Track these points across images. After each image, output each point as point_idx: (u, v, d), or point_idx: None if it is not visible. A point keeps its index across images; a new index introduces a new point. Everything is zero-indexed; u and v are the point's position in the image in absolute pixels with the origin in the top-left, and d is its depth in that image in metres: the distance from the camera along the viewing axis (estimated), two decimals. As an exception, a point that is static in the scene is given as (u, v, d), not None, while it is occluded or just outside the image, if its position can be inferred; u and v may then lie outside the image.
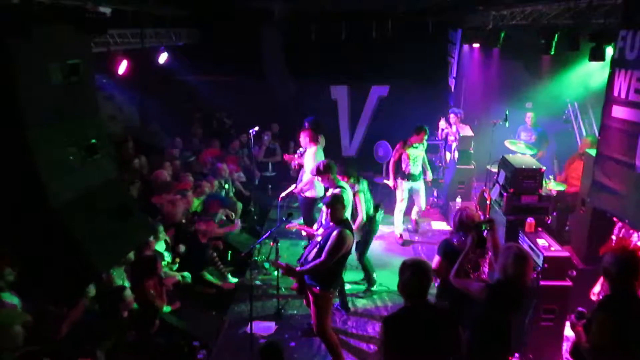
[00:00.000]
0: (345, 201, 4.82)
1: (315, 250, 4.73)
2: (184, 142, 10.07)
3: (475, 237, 4.08)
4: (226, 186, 8.34)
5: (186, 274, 6.08)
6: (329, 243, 4.57)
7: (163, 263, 5.95)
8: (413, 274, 3.18)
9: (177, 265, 6.11)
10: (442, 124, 9.45)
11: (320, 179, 5.67)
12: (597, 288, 4.71)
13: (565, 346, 4.89)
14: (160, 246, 6.00)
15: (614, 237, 5.12)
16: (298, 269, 4.81)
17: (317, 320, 4.81)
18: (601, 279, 4.67)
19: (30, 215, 3.37)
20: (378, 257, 7.51)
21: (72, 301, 4.21)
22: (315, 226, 5.58)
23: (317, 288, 4.70)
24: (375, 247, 7.85)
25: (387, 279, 6.79)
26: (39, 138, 3.30)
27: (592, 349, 3.38)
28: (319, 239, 4.80)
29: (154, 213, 6.51)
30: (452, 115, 9.11)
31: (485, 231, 4.16)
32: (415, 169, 7.93)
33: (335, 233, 4.59)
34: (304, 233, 5.73)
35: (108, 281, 4.93)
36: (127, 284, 5.02)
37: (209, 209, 7.36)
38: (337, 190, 5.40)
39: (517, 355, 4.78)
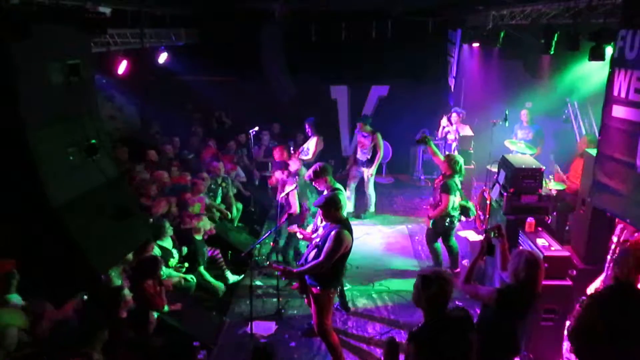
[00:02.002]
0: (341, 202, 4.79)
1: (314, 251, 4.72)
2: (183, 142, 10.07)
3: (485, 244, 4.05)
4: (223, 184, 8.34)
5: (190, 277, 6.08)
6: (327, 244, 4.55)
7: (171, 262, 5.96)
8: (440, 287, 3.13)
9: (184, 268, 6.11)
10: (444, 121, 9.45)
11: (316, 182, 5.62)
12: (594, 285, 4.72)
13: (566, 346, 4.88)
14: (167, 243, 6.01)
15: (614, 239, 5.10)
16: (296, 270, 4.81)
17: (318, 319, 4.81)
18: (600, 277, 4.68)
19: (30, 215, 3.36)
20: (378, 257, 7.51)
21: (64, 301, 4.17)
22: (309, 229, 5.60)
23: (318, 288, 4.69)
24: (376, 247, 7.86)
25: (387, 279, 6.78)
26: (39, 138, 3.29)
27: (573, 330, 3.44)
28: (317, 239, 4.79)
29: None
30: (454, 115, 9.12)
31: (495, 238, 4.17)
32: (362, 155, 8.50)
33: (333, 233, 4.56)
34: (300, 236, 5.71)
35: (106, 281, 4.93)
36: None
37: (188, 205, 7.30)
38: (333, 193, 5.35)
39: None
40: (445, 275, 3.20)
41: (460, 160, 6.54)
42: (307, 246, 5.18)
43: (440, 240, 6.79)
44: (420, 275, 3.26)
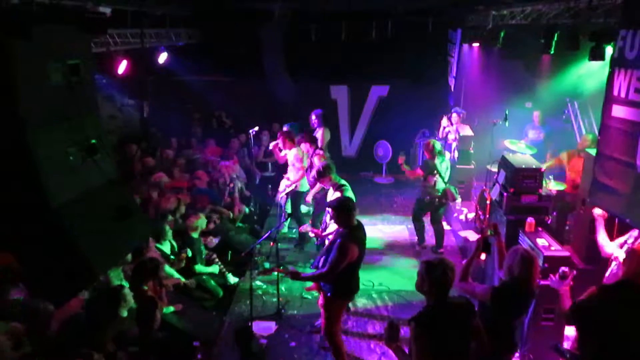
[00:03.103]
0: (353, 205, 4.78)
1: (324, 257, 4.68)
2: (182, 142, 10.06)
3: (481, 242, 4.08)
4: (231, 185, 8.33)
5: (191, 281, 6.07)
6: (331, 254, 4.49)
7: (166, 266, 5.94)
8: (444, 272, 3.21)
9: (183, 263, 6.09)
10: (444, 121, 9.44)
11: (320, 181, 5.63)
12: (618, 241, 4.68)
13: (566, 345, 4.88)
14: (166, 247, 5.99)
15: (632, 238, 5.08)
16: (304, 275, 4.82)
17: (325, 323, 4.80)
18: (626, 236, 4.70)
19: (30, 215, 3.36)
20: (378, 257, 7.51)
21: (65, 300, 4.16)
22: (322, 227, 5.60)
23: (329, 294, 4.66)
24: (376, 247, 7.86)
25: (387, 279, 6.79)
26: (39, 138, 3.29)
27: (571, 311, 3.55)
28: (328, 244, 4.77)
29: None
30: (454, 115, 9.11)
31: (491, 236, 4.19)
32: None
33: (337, 243, 4.48)
34: (312, 235, 5.73)
35: (105, 281, 4.92)
36: (125, 283, 5.01)
37: (196, 204, 7.31)
38: (339, 191, 5.38)
39: (517, 355, 4.78)
40: (447, 262, 3.28)
41: (437, 144, 7.21)
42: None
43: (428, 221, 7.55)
44: (423, 261, 3.35)
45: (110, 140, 8.49)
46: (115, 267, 5.07)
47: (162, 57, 9.07)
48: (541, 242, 5.00)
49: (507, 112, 8.02)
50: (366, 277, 6.79)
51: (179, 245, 6.25)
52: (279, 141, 7.59)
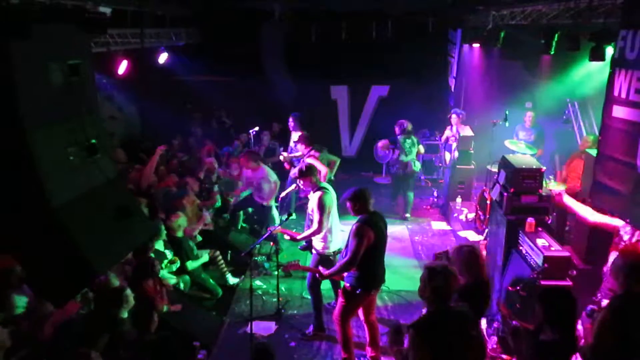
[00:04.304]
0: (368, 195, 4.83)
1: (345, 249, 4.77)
2: (182, 142, 10.05)
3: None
4: (220, 181, 8.30)
5: (187, 277, 6.06)
6: (349, 242, 4.59)
7: (164, 263, 5.93)
8: (446, 279, 3.21)
9: (176, 264, 6.08)
10: (448, 132, 9.32)
11: (301, 181, 5.59)
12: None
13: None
14: (159, 245, 5.98)
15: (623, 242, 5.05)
16: (327, 272, 4.85)
17: (339, 311, 4.84)
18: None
19: (30, 215, 3.36)
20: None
21: (64, 301, 4.16)
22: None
23: (348, 285, 4.72)
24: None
25: (387, 279, 6.71)
26: (39, 138, 3.29)
27: (592, 347, 3.39)
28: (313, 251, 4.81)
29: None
30: (454, 116, 9.10)
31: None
32: None
33: (352, 229, 4.58)
34: (287, 237, 5.67)
35: (105, 282, 4.91)
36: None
37: (177, 207, 7.23)
38: (318, 192, 5.34)
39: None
40: (450, 269, 3.30)
41: (407, 125, 8.64)
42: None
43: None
44: (426, 267, 3.36)
45: (112, 141, 8.52)
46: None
47: (162, 57, 9.08)
48: (541, 242, 4.99)
49: (507, 113, 8.02)
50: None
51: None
52: (241, 160, 7.73)
